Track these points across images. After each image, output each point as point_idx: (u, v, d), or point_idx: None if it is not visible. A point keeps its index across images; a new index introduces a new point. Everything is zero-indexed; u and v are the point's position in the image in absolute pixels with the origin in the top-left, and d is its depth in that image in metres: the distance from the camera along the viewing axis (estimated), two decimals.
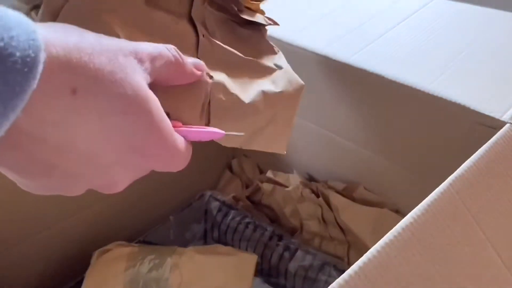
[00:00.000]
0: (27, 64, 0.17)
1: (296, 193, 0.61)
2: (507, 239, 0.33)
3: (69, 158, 0.21)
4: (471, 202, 0.32)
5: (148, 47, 0.24)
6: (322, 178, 0.62)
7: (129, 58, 0.22)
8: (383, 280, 0.26)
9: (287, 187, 0.62)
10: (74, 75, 0.19)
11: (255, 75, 0.33)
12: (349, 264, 0.41)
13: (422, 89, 0.44)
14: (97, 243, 0.53)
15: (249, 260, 0.52)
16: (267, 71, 0.34)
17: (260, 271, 0.57)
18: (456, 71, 0.46)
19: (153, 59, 0.24)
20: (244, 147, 0.31)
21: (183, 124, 0.28)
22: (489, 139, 0.35)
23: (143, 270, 0.50)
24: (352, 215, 0.56)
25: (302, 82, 0.34)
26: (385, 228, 0.28)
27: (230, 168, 0.72)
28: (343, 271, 0.25)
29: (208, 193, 0.63)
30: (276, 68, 0.34)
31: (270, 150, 0.33)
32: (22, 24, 0.17)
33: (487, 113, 0.40)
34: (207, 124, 0.30)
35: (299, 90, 0.33)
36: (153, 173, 0.65)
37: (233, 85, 0.31)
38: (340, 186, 0.59)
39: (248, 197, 0.65)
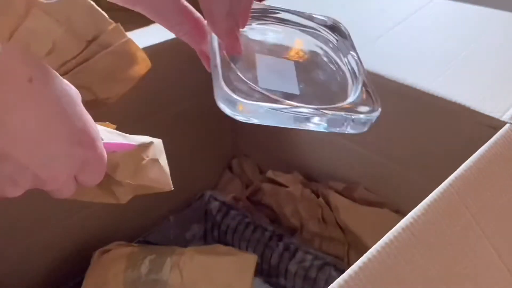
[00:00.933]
0: None
1: (296, 193, 0.60)
2: (507, 239, 0.33)
3: (21, 146, 0.24)
4: (471, 202, 0.32)
5: None
6: (322, 178, 0.62)
7: None
8: (383, 280, 0.26)
9: (287, 187, 0.62)
10: (30, 66, 0.24)
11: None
12: (349, 264, 0.41)
13: (422, 89, 0.44)
14: (97, 243, 0.53)
15: (249, 260, 0.52)
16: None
17: (260, 271, 0.57)
18: (456, 71, 0.46)
19: None
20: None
21: None
22: (489, 139, 0.35)
23: (143, 270, 0.50)
24: (352, 215, 0.56)
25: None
26: (385, 228, 0.28)
27: (230, 168, 0.72)
28: (343, 271, 0.25)
29: (208, 193, 0.63)
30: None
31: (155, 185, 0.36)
32: None
33: (487, 113, 0.40)
34: None
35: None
36: None
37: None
38: (340, 186, 0.59)
39: (248, 197, 0.65)
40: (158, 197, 0.62)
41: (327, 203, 0.59)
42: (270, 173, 0.65)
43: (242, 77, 0.30)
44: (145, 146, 0.34)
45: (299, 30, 0.39)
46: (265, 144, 0.67)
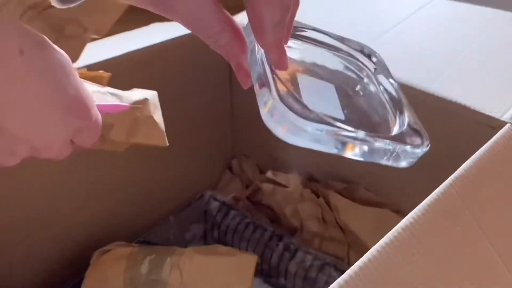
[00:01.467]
0: None
1: (296, 193, 0.60)
2: (507, 239, 0.33)
3: (16, 120, 0.24)
4: (471, 202, 0.32)
5: None
6: (322, 178, 0.62)
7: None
8: (383, 281, 0.26)
9: (287, 187, 0.62)
10: (21, 38, 0.24)
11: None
12: (349, 265, 0.41)
13: (422, 89, 0.44)
14: (97, 243, 0.53)
15: (249, 260, 0.52)
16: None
17: (260, 271, 0.57)
18: (456, 71, 0.46)
19: None
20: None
21: None
22: (489, 139, 0.35)
23: (143, 270, 0.50)
24: (352, 215, 0.56)
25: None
26: (385, 228, 0.28)
27: (230, 168, 0.72)
28: (343, 272, 0.25)
29: (208, 193, 0.63)
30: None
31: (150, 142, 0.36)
32: None
33: (487, 113, 0.40)
34: None
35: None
36: (153, 173, 0.65)
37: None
38: (340, 186, 0.59)
39: (248, 197, 0.65)
40: (158, 197, 0.63)
41: (327, 203, 0.59)
42: (270, 173, 0.65)
43: (296, 96, 0.28)
44: (140, 103, 0.34)
45: (332, 52, 0.36)
46: (265, 144, 0.67)
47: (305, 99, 0.29)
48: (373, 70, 0.37)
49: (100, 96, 0.32)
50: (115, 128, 0.33)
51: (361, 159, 0.29)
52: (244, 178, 0.70)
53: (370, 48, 0.38)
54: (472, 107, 0.41)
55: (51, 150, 0.27)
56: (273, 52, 0.29)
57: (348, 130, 0.28)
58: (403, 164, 0.30)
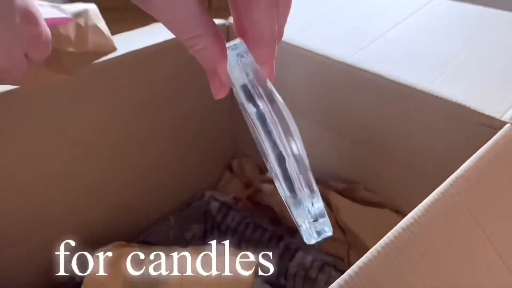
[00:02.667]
0: None
1: None
2: (508, 239, 0.33)
3: None
4: (471, 202, 0.32)
5: None
6: (322, 178, 0.62)
7: None
8: (383, 281, 0.26)
9: None
10: None
11: None
12: (349, 265, 0.41)
13: (422, 89, 0.44)
14: (97, 243, 0.53)
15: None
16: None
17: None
18: (456, 71, 0.46)
19: None
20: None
21: None
22: (489, 139, 0.35)
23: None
24: (352, 215, 0.56)
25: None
26: (385, 228, 0.28)
27: (230, 168, 0.72)
28: (343, 272, 0.25)
29: (208, 193, 0.63)
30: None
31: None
32: None
33: (487, 113, 0.40)
34: None
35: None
36: (153, 173, 0.65)
37: None
38: (340, 186, 0.59)
39: (248, 198, 0.65)
40: (158, 197, 0.63)
41: (327, 203, 0.59)
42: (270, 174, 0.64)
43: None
44: (80, 14, 0.36)
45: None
46: None
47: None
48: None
49: (43, 9, 0.33)
50: (64, 39, 0.35)
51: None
52: (244, 178, 0.70)
53: (315, 186, 0.32)
54: (472, 107, 0.41)
55: (10, 59, 0.29)
56: (268, 65, 0.28)
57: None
58: (312, 240, 0.30)
